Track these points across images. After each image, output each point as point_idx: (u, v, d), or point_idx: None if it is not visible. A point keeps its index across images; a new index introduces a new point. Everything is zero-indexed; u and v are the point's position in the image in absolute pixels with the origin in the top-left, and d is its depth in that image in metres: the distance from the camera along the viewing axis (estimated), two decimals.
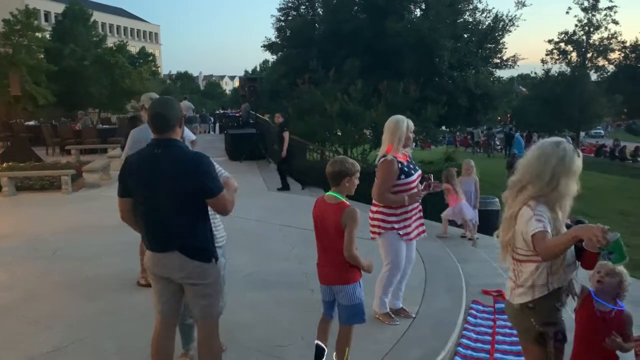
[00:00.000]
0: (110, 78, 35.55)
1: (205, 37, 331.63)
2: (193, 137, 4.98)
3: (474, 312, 4.91)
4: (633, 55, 29.77)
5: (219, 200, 2.88)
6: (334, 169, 3.30)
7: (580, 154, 2.68)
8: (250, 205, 8.42)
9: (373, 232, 4.32)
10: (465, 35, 20.89)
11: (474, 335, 4.50)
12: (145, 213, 2.93)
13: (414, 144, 23.33)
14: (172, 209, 2.86)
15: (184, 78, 78.54)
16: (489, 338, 4.42)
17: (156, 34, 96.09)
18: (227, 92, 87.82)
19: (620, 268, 2.93)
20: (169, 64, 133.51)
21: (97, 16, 52.41)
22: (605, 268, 2.93)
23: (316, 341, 3.55)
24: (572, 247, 2.52)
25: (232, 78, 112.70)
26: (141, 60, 55.51)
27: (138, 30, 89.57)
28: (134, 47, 64.56)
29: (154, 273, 3.01)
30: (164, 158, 2.85)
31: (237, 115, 21.22)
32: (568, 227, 2.63)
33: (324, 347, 3.53)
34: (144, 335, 4.04)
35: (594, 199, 14.41)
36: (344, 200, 3.30)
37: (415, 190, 4.24)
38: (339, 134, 16.03)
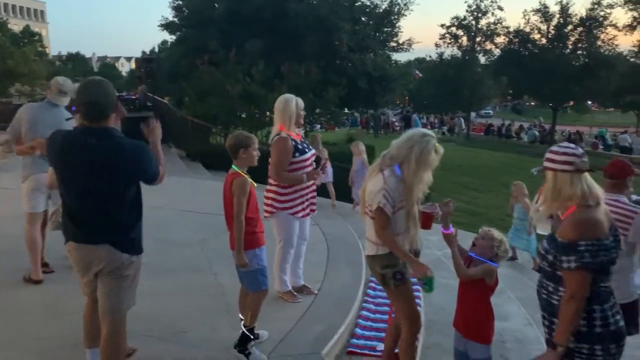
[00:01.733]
0: None
1: (98, 16, 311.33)
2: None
3: (373, 284, 5.12)
4: (516, 40, 31.90)
5: (156, 183, 3.01)
6: (230, 142, 3.49)
7: (441, 150, 3.09)
8: (150, 191, 8.11)
9: (266, 212, 4.36)
10: (364, 19, 21.38)
11: (373, 307, 4.71)
12: (73, 204, 2.82)
13: (318, 125, 23.68)
14: (108, 202, 2.77)
15: (76, 59, 73.37)
16: (387, 309, 4.63)
17: (42, 11, 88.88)
18: (124, 74, 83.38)
19: (494, 233, 3.24)
20: (58, 44, 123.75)
21: None
22: (481, 232, 3.28)
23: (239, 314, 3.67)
24: (416, 212, 3.11)
25: (128, 59, 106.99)
26: (25, 40, 51.03)
27: (20, 7, 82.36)
28: (16, 25, 59.25)
29: (79, 266, 2.89)
30: (100, 149, 2.72)
31: (133, 97, 20.27)
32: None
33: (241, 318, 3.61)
34: (32, 334, 3.83)
35: (482, 174, 15.53)
36: (238, 171, 3.44)
37: (311, 168, 4.33)
38: (243, 116, 15.88)
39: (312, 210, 4.54)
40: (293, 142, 4.22)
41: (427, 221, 3.22)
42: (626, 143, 26.97)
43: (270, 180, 4.36)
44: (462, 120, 37.41)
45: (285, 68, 15.30)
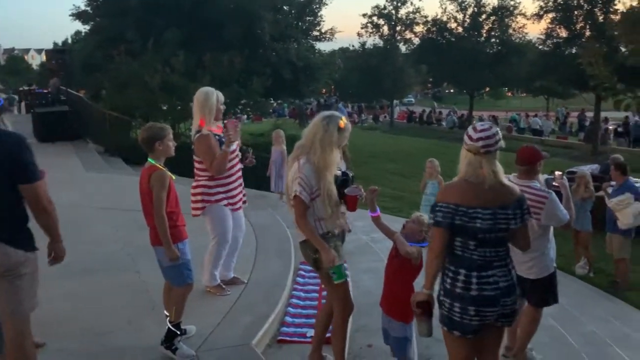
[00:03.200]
0: None
1: (2, 5, 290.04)
2: None
3: (302, 272, 5.15)
4: (434, 28, 32.90)
5: (34, 190, 2.65)
6: (143, 136, 3.36)
7: (348, 126, 3.18)
8: (66, 189, 7.72)
9: (196, 209, 4.24)
10: (285, 8, 21.25)
11: (303, 294, 4.73)
12: None
13: (245, 116, 23.37)
14: None
15: None
16: (316, 295, 4.68)
17: None
18: (35, 67, 78.42)
19: (425, 218, 3.34)
20: None
21: None
22: (413, 216, 3.40)
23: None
24: (336, 202, 3.18)
25: (39, 51, 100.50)
26: None
27: None
28: None
29: None
30: None
31: (45, 92, 19.09)
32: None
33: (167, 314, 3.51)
34: None
35: (406, 160, 15.95)
36: (155, 164, 3.32)
37: (237, 160, 4.27)
38: (164, 108, 15.37)
39: (244, 202, 4.47)
40: (217, 137, 4.13)
41: (352, 204, 3.27)
42: (537, 126, 28.63)
43: (197, 172, 4.24)
44: (455, 110, 37.92)
45: (208, 58, 14.94)
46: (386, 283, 3.39)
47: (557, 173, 4.05)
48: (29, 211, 2.74)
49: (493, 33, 31.06)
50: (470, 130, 2.69)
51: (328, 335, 3.47)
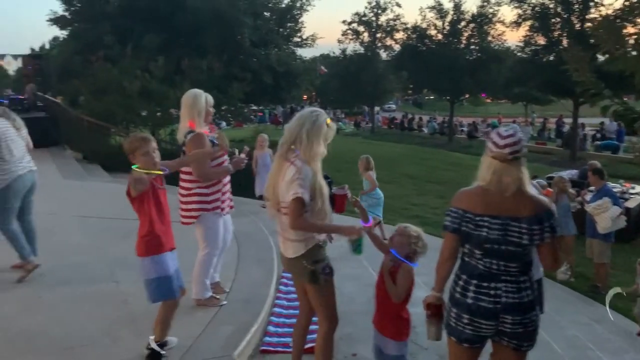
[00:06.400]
0: None
1: None
2: None
3: (285, 280, 5.07)
4: (414, 35, 33.11)
5: None
6: (126, 146, 3.24)
7: (333, 125, 3.05)
8: (43, 197, 7.52)
9: (189, 217, 4.06)
10: (266, 14, 21.23)
11: (286, 303, 4.66)
12: None
13: (224, 122, 23.29)
14: None
15: None
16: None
17: None
18: (11, 72, 77.08)
19: (411, 229, 3.18)
20: None
21: None
22: (398, 228, 3.22)
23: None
24: (328, 200, 3.01)
25: (15, 57, 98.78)
26: None
27: None
28: None
29: None
30: None
31: (21, 97, 18.74)
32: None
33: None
34: None
35: (387, 166, 15.94)
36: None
37: (228, 162, 4.17)
38: (143, 114, 15.18)
39: (231, 207, 4.34)
40: (210, 138, 4.02)
41: (340, 204, 3.20)
42: None
43: (187, 185, 4.05)
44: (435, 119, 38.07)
45: (186, 64, 14.83)
46: (378, 301, 3.25)
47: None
48: None
49: (472, 40, 31.35)
50: (494, 136, 2.55)
51: (308, 346, 3.40)
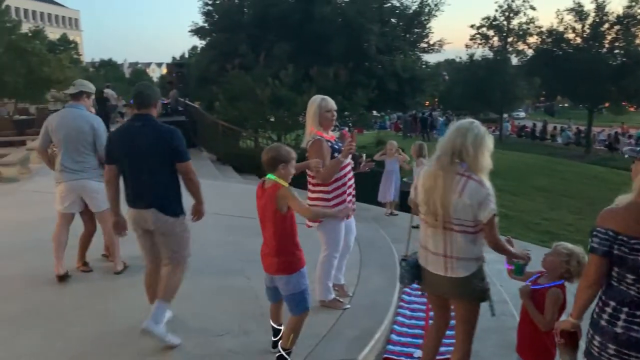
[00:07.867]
0: (27, 66, 33.15)
1: (129, 23, 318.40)
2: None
3: (408, 289, 5.00)
4: (549, 40, 31.20)
5: (188, 166, 3.60)
6: (268, 156, 3.21)
7: (491, 136, 2.93)
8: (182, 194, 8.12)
9: (315, 221, 4.12)
10: (393, 20, 21.22)
11: (409, 313, 4.59)
12: (128, 177, 3.61)
13: (346, 128, 23.63)
14: (151, 172, 3.51)
15: (108, 66, 74.92)
16: (423, 314, 4.50)
17: (76, 19, 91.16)
18: (155, 79, 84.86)
19: (561, 247, 3.00)
20: (91, 51, 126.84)
21: (10, 1, 48.65)
22: (552, 248, 3.05)
23: (271, 323, 3.59)
24: None
25: (159, 65, 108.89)
26: (62, 47, 52.19)
27: (56, 16, 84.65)
28: (52, 33, 60.70)
29: (135, 226, 3.67)
30: (143, 130, 3.53)
31: (165, 102, 20.56)
32: None
33: (278, 328, 3.54)
34: (64, 335, 3.84)
35: (516, 178, 15.15)
36: (278, 181, 3.18)
37: (350, 167, 4.22)
38: (272, 120, 15.90)
39: (353, 210, 4.33)
40: (329, 143, 4.11)
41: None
42: None
43: (311, 187, 4.22)
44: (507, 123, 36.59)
45: (314, 71, 15.27)
46: (521, 324, 3.11)
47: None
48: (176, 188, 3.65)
49: (617, 44, 28.79)
50: None
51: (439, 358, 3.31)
